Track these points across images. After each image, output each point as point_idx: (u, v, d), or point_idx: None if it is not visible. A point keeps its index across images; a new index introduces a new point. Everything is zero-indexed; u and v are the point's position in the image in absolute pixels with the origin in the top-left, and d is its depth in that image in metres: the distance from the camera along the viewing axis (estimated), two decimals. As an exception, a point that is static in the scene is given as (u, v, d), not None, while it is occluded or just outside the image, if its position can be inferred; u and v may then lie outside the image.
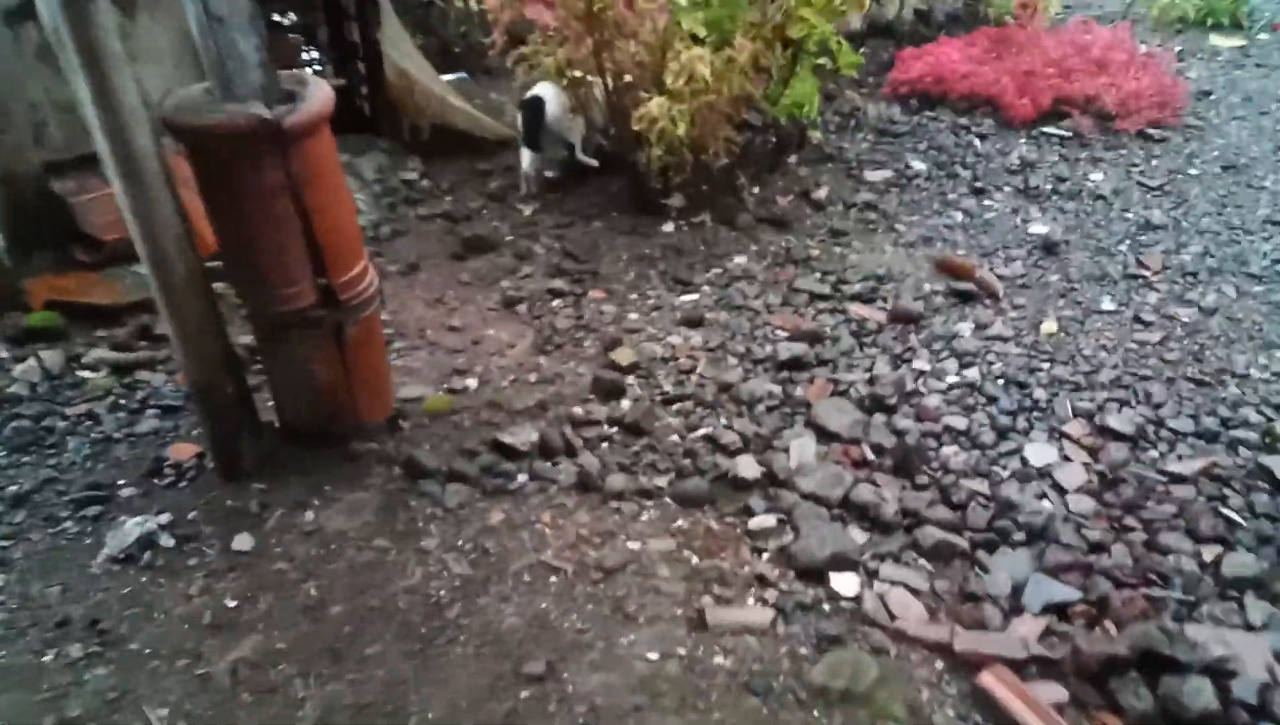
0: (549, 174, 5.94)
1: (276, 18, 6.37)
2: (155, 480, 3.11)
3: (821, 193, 5.43)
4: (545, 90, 5.41)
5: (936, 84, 6.82)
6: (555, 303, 4.45)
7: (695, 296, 4.48)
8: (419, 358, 4.00)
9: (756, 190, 5.53)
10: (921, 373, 3.75)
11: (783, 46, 4.65)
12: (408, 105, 6.23)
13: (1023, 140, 6.17)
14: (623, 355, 3.92)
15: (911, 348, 3.94)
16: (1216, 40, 8.20)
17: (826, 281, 4.51)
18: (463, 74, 8.58)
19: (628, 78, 4.98)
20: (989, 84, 6.60)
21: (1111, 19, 8.33)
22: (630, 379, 3.79)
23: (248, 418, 3.04)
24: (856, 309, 4.25)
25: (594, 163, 5.79)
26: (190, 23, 2.48)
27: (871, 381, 3.69)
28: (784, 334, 4.09)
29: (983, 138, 6.20)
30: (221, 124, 2.47)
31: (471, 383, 3.75)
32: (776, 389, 3.67)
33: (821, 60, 4.90)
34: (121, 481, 3.11)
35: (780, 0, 4.54)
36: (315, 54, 6.82)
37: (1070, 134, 6.16)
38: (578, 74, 5.09)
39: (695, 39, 4.60)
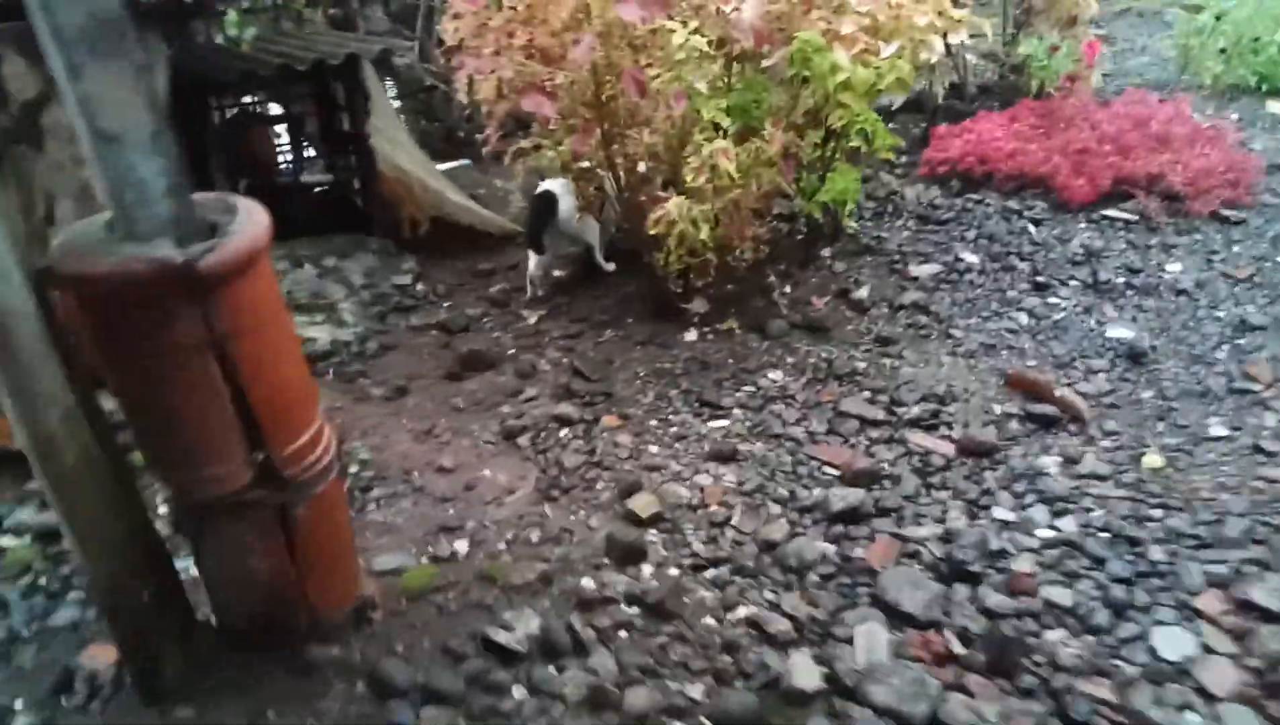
0: (557, 273, 5.43)
1: (258, 108, 6.01)
2: (62, 699, 2.51)
3: (863, 292, 4.87)
4: (556, 185, 4.92)
5: (980, 163, 6.31)
6: (563, 433, 3.88)
7: (725, 423, 3.89)
8: (402, 509, 3.41)
9: (789, 290, 4.98)
10: (1005, 525, 3.13)
11: (822, 136, 4.14)
12: (402, 200, 5.78)
13: (1083, 225, 5.61)
14: (643, 503, 3.32)
15: (989, 490, 3.32)
16: (1275, 107, 7.68)
17: (878, 403, 3.91)
18: (465, 161, 8.18)
19: (642, 167, 4.49)
20: (1039, 163, 6.08)
21: (1161, 86, 7.85)
22: (652, 535, 3.19)
23: (174, 622, 2.45)
24: (917, 439, 3.65)
25: (610, 267, 5.28)
26: (81, 144, 1.97)
27: (946, 537, 3.07)
28: (833, 472, 3.49)
29: (1037, 223, 5.65)
30: (113, 272, 1.94)
31: (461, 546, 3.16)
32: (831, 550, 3.05)
33: (855, 143, 4.38)
34: (19, 702, 2.51)
35: (814, 85, 4.04)
36: (302, 148, 6.43)
37: (1136, 217, 5.60)
38: (586, 166, 4.60)
39: (716, 128, 4.10)
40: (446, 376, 4.41)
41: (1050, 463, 3.46)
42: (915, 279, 5.03)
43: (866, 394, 4.00)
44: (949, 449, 3.57)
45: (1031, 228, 5.62)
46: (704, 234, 3.94)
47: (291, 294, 4.95)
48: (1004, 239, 5.45)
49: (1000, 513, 3.20)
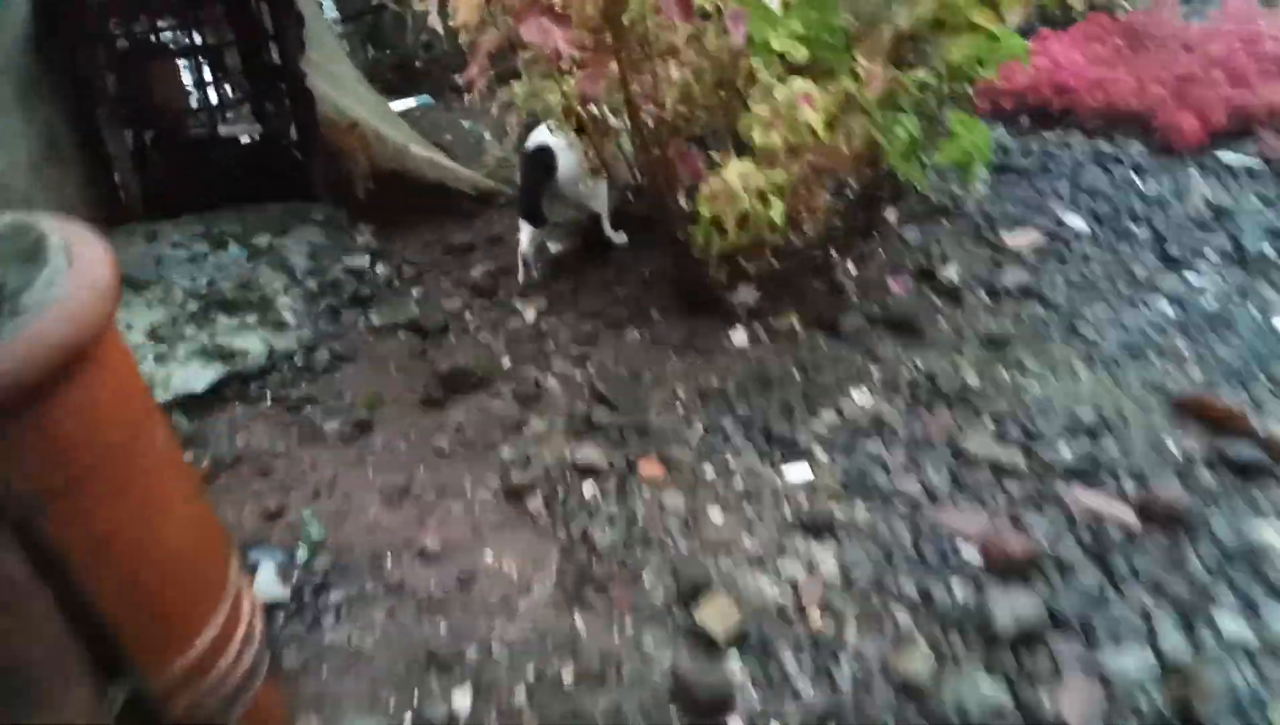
0: (553, 247, 4.40)
1: (158, 38, 4.83)
2: None
3: (950, 271, 3.90)
4: (551, 137, 3.87)
5: (1057, 95, 5.32)
6: (587, 489, 2.92)
7: (806, 470, 2.95)
8: (372, 624, 2.46)
9: (852, 268, 4.00)
10: (1242, 650, 2.23)
11: (934, 75, 3.10)
12: (351, 154, 4.68)
13: (1195, 173, 4.66)
14: (716, 613, 2.40)
15: (1199, 583, 2.42)
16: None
17: (1009, 438, 2.98)
18: (425, 97, 7.04)
19: (669, 115, 3.44)
20: (1132, 93, 5.11)
21: None
22: (735, 664, 2.28)
23: None
24: (1079, 498, 2.73)
25: (622, 239, 4.26)
26: None
27: (1164, 671, 2.17)
28: (973, 553, 2.57)
29: (1139, 171, 4.70)
30: None
31: (462, 699, 2.22)
32: (1005, 700, 2.14)
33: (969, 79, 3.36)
34: None
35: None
36: (221, 89, 5.25)
37: (1260, 163, 4.66)
38: (597, 113, 3.55)
39: (783, 62, 3.06)
40: (423, 402, 3.40)
41: (1271, 533, 2.56)
42: (1012, 252, 4.06)
43: (990, 424, 3.06)
44: (1128, 515, 2.66)
45: (1135, 178, 4.66)
46: (775, 212, 2.94)
47: (213, 286, 3.89)
48: (1108, 194, 4.49)
49: (1228, 623, 2.30)
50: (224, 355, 3.50)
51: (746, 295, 3.66)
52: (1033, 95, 5.45)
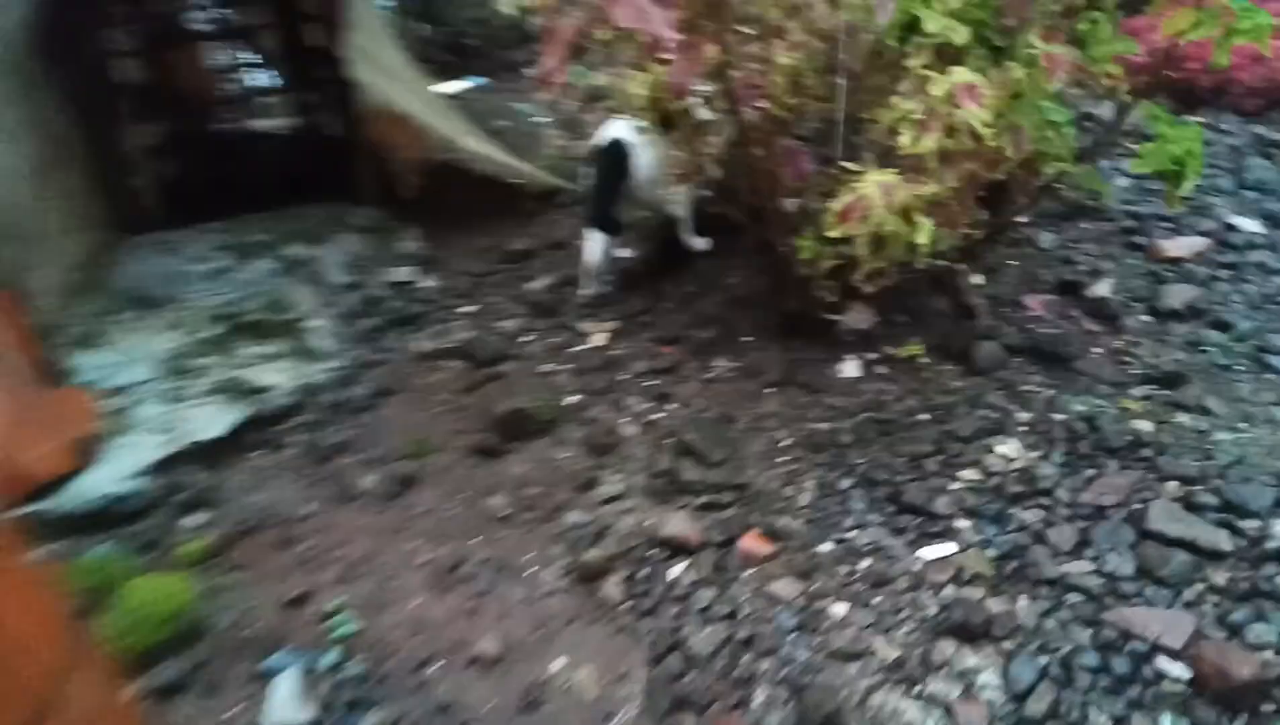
0: (623, 255, 3.89)
1: (183, 18, 4.38)
2: None
3: (1102, 287, 3.32)
4: (627, 130, 3.35)
5: (1205, 70, 4.64)
6: (675, 569, 2.43)
7: (950, 550, 2.41)
8: (414, 762, 1.98)
9: (981, 280, 3.43)
10: None
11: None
12: (399, 148, 4.21)
13: (1384, 162, 3.99)
14: (853, 759, 1.88)
15: None
16: None
17: (1205, 510, 2.40)
18: (479, 79, 6.55)
19: (776, 107, 2.89)
20: (1299, 68, 4.42)
21: None
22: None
23: None
24: (1316, 599, 2.15)
25: (703, 244, 3.73)
26: None
27: None
28: (1183, 673, 2.02)
29: (1315, 160, 4.03)
30: None
31: None
32: None
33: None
34: None
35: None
36: (255, 74, 4.81)
37: None
38: (689, 106, 3.01)
39: (938, 51, 2.48)
40: (477, 450, 2.92)
41: None
42: (1173, 261, 3.45)
43: (1176, 489, 2.48)
44: (1388, 628, 2.08)
45: (1312, 169, 4.00)
46: (923, 234, 2.38)
47: (237, 306, 3.45)
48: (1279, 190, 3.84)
49: None
50: (246, 392, 3.06)
51: (860, 318, 3.12)
52: (1174, 71, 4.78)
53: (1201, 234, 3.58)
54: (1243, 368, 2.92)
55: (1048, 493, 2.55)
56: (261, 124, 4.85)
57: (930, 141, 2.26)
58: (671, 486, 2.70)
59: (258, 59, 4.55)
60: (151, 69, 4.24)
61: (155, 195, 3.89)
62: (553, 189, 4.44)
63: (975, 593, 2.28)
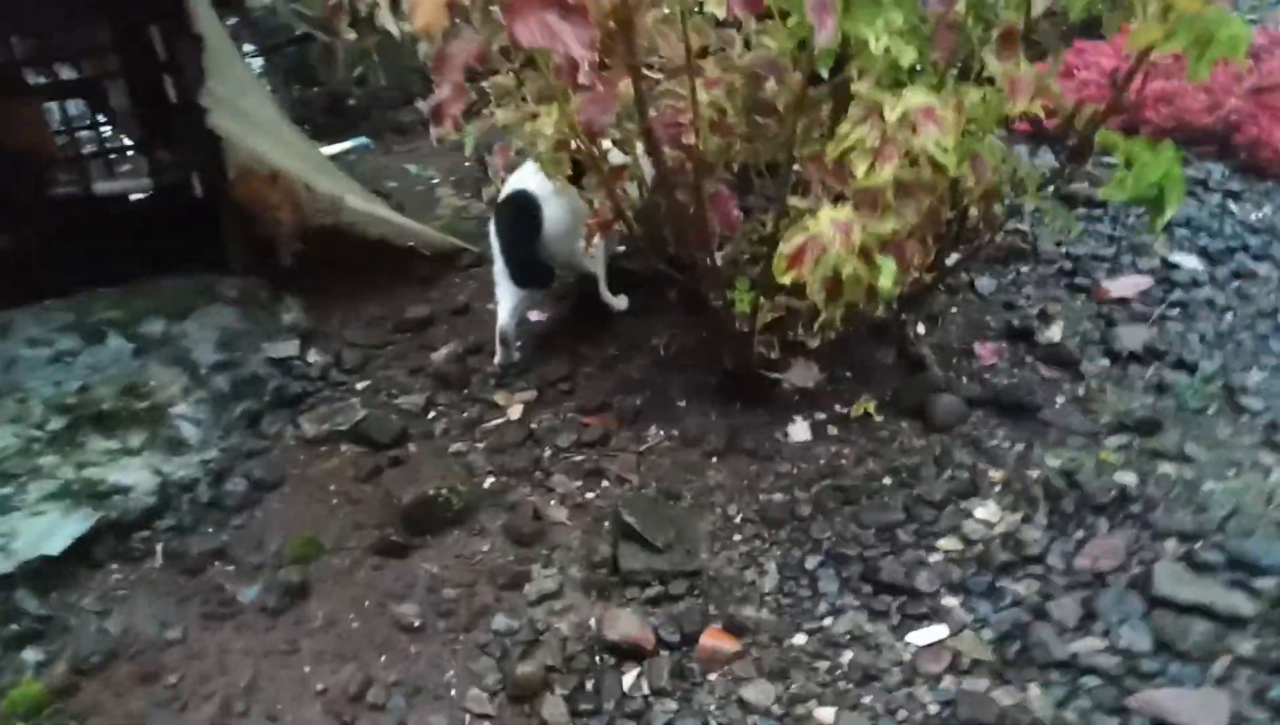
0: (534, 317, 3.56)
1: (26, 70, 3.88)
2: None
3: (1053, 331, 3.15)
4: (534, 180, 3.04)
5: (1113, 112, 4.65)
6: (627, 679, 2.07)
7: (940, 633, 2.13)
8: None
9: (922, 330, 3.22)
10: None
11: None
12: (273, 212, 3.80)
13: (1299, 197, 4.00)
14: None
15: None
16: None
17: (1212, 570, 2.17)
18: (363, 139, 6.19)
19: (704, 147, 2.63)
20: (1204, 109, 4.46)
21: None
22: None
23: None
24: (1355, 664, 1.93)
25: (622, 304, 3.43)
26: None
27: None
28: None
29: (1234, 197, 4.01)
30: None
31: None
32: None
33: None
34: None
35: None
36: (100, 134, 4.31)
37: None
38: (601, 149, 2.71)
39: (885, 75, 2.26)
40: (379, 549, 2.50)
41: None
42: (1120, 301, 3.31)
43: (1176, 547, 2.26)
44: None
45: (1232, 205, 3.98)
46: (886, 276, 2.12)
47: (85, 395, 2.96)
48: (1207, 226, 3.78)
49: None
50: (95, 495, 2.57)
51: (804, 375, 2.83)
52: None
53: (1142, 272, 3.46)
54: (1215, 410, 2.75)
55: (1039, 559, 2.29)
56: (110, 186, 4.35)
57: (888, 171, 2.02)
58: (614, 578, 2.34)
59: (103, 114, 4.07)
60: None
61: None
62: (451, 250, 4.09)
63: (978, 683, 1.99)
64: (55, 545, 2.41)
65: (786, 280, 2.17)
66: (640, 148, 2.70)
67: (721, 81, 2.61)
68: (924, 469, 2.62)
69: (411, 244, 4.12)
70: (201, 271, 3.60)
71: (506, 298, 3.18)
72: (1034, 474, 2.56)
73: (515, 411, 3.05)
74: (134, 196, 4.36)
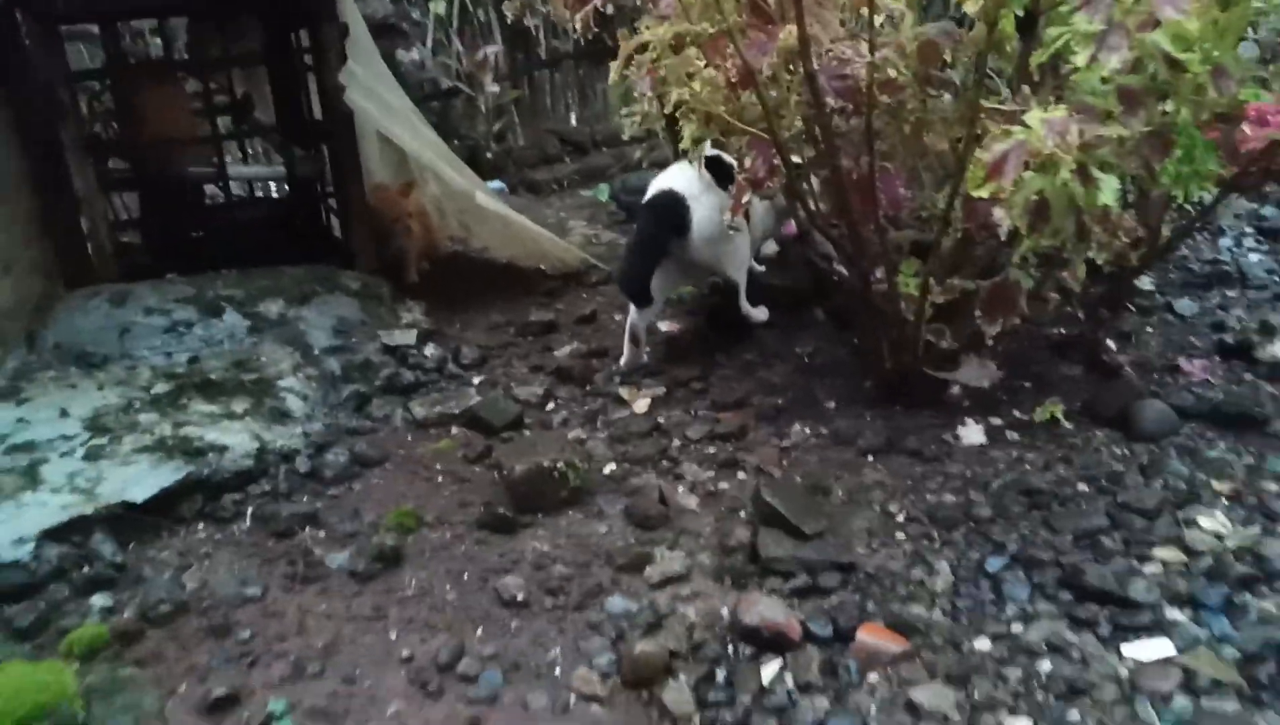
0: (665, 327, 3.34)
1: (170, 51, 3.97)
2: None
3: (1277, 347, 2.72)
4: (682, 179, 2.88)
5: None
6: (768, 671, 1.74)
7: (1166, 647, 1.71)
8: None
9: (1115, 347, 2.84)
10: None
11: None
12: (403, 230, 3.73)
13: None
14: None
15: None
16: None
17: None
18: (499, 183, 6.22)
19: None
20: None
21: None
22: None
23: None
24: None
25: (762, 315, 3.18)
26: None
27: None
28: None
29: None
30: None
31: None
32: None
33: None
34: None
35: None
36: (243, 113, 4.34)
37: None
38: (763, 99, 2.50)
39: None
40: (485, 524, 2.25)
41: None
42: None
43: None
44: None
45: None
46: (1107, 193, 1.80)
47: (195, 365, 2.87)
48: None
49: None
50: (189, 452, 2.42)
51: (979, 373, 2.49)
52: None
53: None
54: None
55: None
56: (242, 171, 4.40)
57: (1115, 62, 1.70)
58: (751, 566, 2.02)
59: (241, 98, 4.14)
60: (116, 101, 3.82)
61: (110, 245, 3.38)
62: (580, 266, 3.94)
63: (1224, 704, 1.57)
64: (139, 493, 2.25)
65: (983, 194, 1.85)
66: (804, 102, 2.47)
67: (894, 44, 2.40)
68: (1129, 477, 2.22)
69: (539, 261, 4.00)
70: (324, 263, 3.53)
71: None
72: (1271, 487, 2.13)
73: (641, 406, 2.80)
74: (264, 183, 4.42)
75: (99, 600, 2.04)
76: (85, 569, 2.11)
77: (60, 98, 3.16)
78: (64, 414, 2.60)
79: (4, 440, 2.47)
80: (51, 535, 2.13)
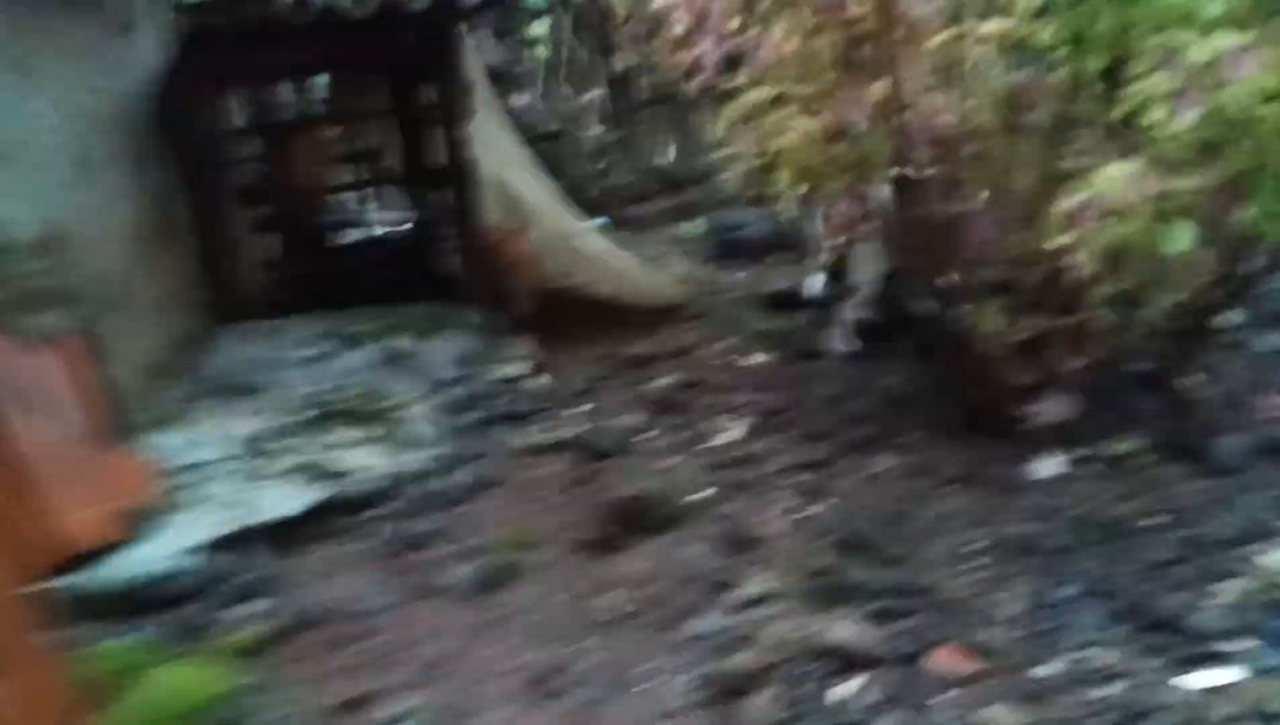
0: (758, 359, 3.46)
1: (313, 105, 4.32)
2: None
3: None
4: None
5: None
6: (845, 688, 1.84)
7: (1232, 675, 1.76)
8: None
9: (1201, 380, 2.84)
10: None
11: None
12: (515, 270, 3.95)
13: None
14: None
15: None
16: None
17: None
18: (603, 219, 6.43)
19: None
20: None
21: None
22: None
23: None
24: None
25: (853, 346, 3.30)
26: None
27: None
28: None
29: None
30: None
31: None
32: None
33: None
34: None
35: None
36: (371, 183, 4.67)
37: None
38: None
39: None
40: (589, 544, 2.42)
41: None
42: None
43: None
44: None
45: None
46: (1183, 238, 1.85)
47: (336, 393, 3.13)
48: None
49: None
50: (330, 474, 2.66)
51: (1058, 409, 2.55)
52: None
53: None
54: None
55: (1353, 610, 1.88)
56: (375, 217, 4.71)
57: (1191, 118, 1.76)
58: (834, 589, 2.12)
59: (374, 150, 4.45)
60: (268, 151, 4.16)
61: (258, 282, 3.70)
62: (676, 301, 4.09)
63: (1283, 736, 1.61)
64: (292, 509, 2.50)
65: (1063, 241, 1.93)
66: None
67: (982, 94, 2.49)
68: (1202, 511, 2.25)
69: (637, 300, 4.17)
70: (444, 300, 3.77)
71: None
72: (1339, 519, 2.14)
73: (734, 435, 2.93)
74: (392, 230, 4.72)
75: (253, 607, 2.27)
76: (239, 579, 2.34)
77: (222, 149, 3.48)
78: (225, 437, 2.88)
79: (175, 460, 2.75)
80: (216, 546, 2.38)
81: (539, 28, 6.99)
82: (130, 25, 3.17)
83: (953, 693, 1.80)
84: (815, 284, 3.88)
